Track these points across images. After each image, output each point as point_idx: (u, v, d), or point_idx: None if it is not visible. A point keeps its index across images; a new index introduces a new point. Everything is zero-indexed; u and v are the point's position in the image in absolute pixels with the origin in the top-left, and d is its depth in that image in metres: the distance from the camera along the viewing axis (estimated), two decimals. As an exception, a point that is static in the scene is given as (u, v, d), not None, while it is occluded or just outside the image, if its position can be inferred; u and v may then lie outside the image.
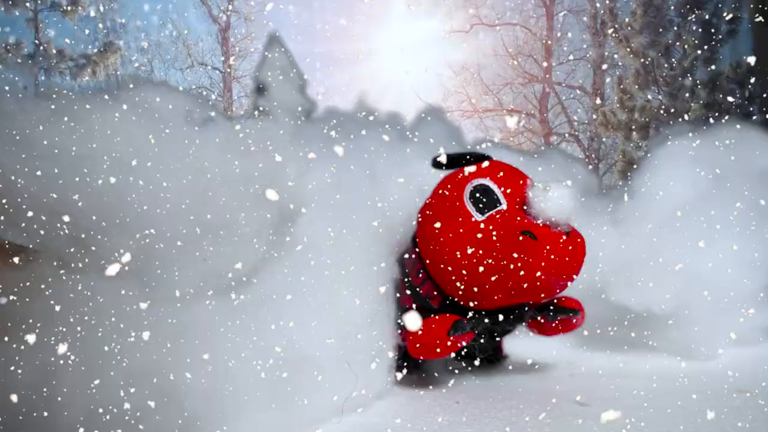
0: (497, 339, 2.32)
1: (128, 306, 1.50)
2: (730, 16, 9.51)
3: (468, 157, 2.13)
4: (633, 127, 10.45)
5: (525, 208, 1.95)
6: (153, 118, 1.83)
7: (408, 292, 2.14)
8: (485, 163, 2.09)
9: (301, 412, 1.61)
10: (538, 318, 2.14)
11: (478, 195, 1.98)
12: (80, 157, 1.60)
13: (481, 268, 1.90)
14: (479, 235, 1.92)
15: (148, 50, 13.64)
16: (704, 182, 2.59)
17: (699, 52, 9.96)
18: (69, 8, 11.20)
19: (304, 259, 1.83)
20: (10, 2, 10.74)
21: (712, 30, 9.87)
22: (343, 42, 13.21)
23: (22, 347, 1.39)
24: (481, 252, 1.90)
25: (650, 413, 1.66)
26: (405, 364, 2.13)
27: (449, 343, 1.96)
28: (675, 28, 10.40)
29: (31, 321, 1.42)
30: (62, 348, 1.39)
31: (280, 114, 2.30)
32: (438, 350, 1.96)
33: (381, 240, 2.10)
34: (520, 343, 2.53)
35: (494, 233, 1.90)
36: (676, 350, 2.38)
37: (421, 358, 2.08)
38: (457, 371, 2.30)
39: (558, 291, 2.00)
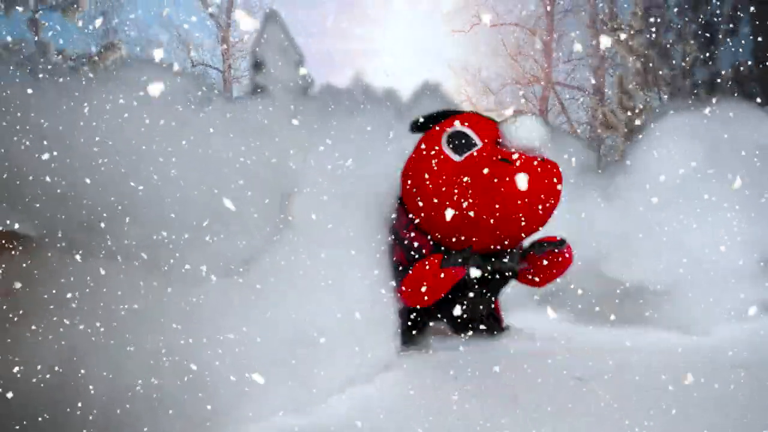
0: (491, 297, 2.33)
1: (138, 290, 1.50)
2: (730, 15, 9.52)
3: (443, 113, 2.22)
4: (633, 128, 10.45)
5: (499, 141, 2.03)
6: (154, 99, 1.80)
7: (399, 248, 2.17)
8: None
9: (312, 387, 1.63)
10: (527, 255, 2.17)
11: (454, 139, 2.06)
12: (85, 142, 1.58)
13: (464, 202, 1.96)
14: (459, 174, 1.99)
15: (148, 50, 13.65)
16: (701, 157, 2.59)
17: (699, 51, 9.98)
18: (69, 8, 11.23)
19: (304, 239, 1.84)
20: (11, 2, 10.78)
21: (713, 28, 9.89)
22: (342, 42, 13.26)
23: (32, 335, 1.38)
24: (461, 187, 1.97)
25: (647, 388, 1.64)
26: (408, 333, 2.17)
27: (443, 276, 2.00)
28: (675, 28, 10.42)
29: (41, 307, 1.41)
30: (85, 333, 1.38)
31: (278, 90, 2.30)
32: (433, 289, 2.01)
33: (373, 211, 2.14)
34: (519, 318, 2.54)
35: (472, 168, 1.97)
36: (672, 325, 2.36)
37: (420, 303, 2.09)
38: (459, 344, 2.29)
39: (540, 219, 2.04)
